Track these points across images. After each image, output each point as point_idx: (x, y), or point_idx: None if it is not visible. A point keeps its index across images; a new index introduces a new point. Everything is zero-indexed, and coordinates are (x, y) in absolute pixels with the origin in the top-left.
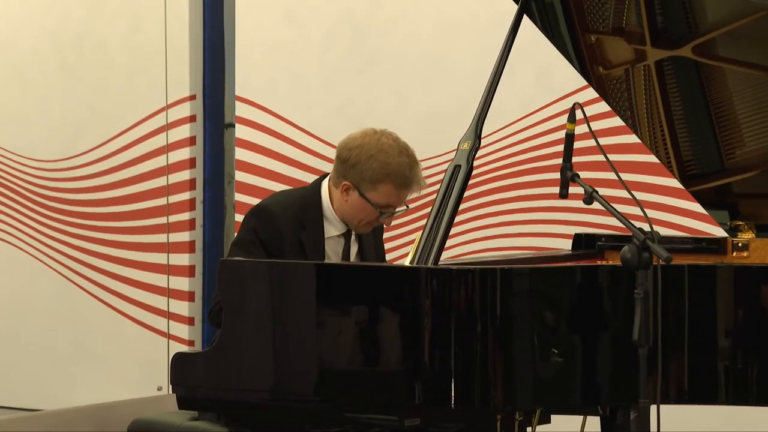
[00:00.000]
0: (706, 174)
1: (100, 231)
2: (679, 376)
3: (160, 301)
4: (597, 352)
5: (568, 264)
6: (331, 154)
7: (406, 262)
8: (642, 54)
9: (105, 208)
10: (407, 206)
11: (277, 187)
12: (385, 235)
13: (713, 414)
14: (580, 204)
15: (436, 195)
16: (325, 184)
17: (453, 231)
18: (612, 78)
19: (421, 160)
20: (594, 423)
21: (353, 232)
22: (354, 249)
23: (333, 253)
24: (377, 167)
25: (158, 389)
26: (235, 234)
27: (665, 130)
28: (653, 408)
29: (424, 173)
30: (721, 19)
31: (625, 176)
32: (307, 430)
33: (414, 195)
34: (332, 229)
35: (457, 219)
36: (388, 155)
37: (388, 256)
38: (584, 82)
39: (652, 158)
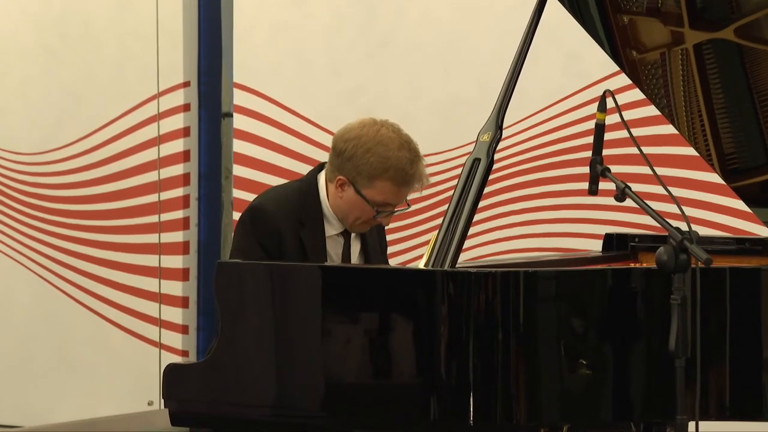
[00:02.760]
0: (749, 168)
1: (85, 230)
2: (720, 390)
3: (150, 308)
4: (630, 364)
5: (599, 267)
6: None
7: (421, 264)
8: (679, 37)
9: (90, 205)
10: (408, 205)
11: (279, 182)
12: (398, 235)
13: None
14: (611, 201)
15: (453, 191)
16: (321, 177)
17: (472, 230)
18: (646, 63)
19: (438, 153)
20: None
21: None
22: (356, 249)
23: (334, 254)
24: (375, 161)
25: (149, 404)
26: (232, 235)
27: (705, 120)
28: (691, 425)
29: (441, 167)
30: None
31: (660, 170)
32: None
33: (415, 193)
34: (330, 227)
35: (477, 217)
36: (388, 148)
37: (400, 259)
38: (616, 68)
39: (691, 151)
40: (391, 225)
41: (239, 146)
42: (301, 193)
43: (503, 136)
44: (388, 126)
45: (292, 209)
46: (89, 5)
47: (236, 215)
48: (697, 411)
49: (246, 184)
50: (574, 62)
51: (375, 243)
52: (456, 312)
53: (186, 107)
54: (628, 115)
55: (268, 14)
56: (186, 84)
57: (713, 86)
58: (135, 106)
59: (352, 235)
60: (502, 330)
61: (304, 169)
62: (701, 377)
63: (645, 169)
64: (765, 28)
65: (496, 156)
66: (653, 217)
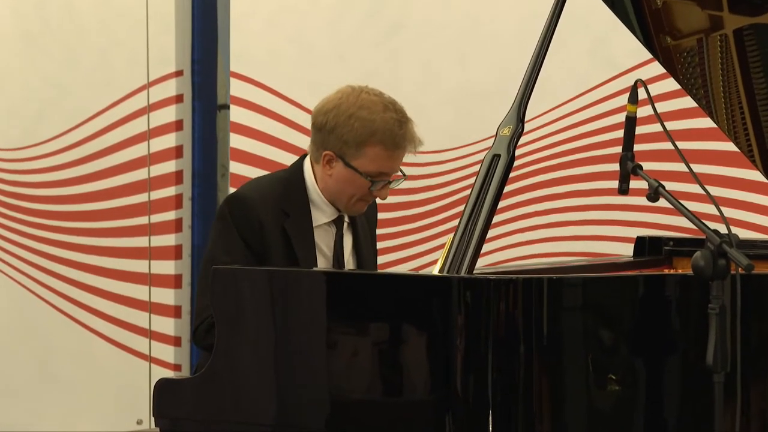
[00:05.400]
0: None
1: (68, 233)
2: (762, 409)
3: (140, 318)
4: (663, 379)
5: (630, 273)
6: None
7: (435, 270)
8: (718, 21)
9: (73, 205)
10: (404, 174)
11: None
12: (410, 238)
13: None
14: (643, 201)
15: (470, 190)
16: (306, 162)
17: (491, 233)
18: (682, 50)
19: (454, 148)
20: None
21: (345, 220)
22: (348, 241)
23: (324, 245)
24: (359, 127)
25: (138, 423)
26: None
27: (746, 113)
28: None
29: (457, 164)
30: None
31: (697, 168)
32: None
33: (427, 192)
34: (320, 215)
35: (496, 219)
36: (371, 111)
37: (413, 264)
38: (648, 56)
39: (730, 146)
40: (402, 227)
41: (236, 141)
42: (284, 182)
43: (525, 130)
44: (368, 90)
45: (274, 198)
46: None
47: None
48: (737, 431)
49: (243, 182)
50: (603, 49)
51: (367, 237)
52: (474, 322)
53: (178, 98)
54: (662, 107)
55: None
56: (178, 73)
57: (755, 75)
58: (123, 97)
59: (344, 224)
60: (524, 342)
61: None
62: (742, 394)
63: (680, 166)
64: None
65: (518, 152)
66: (689, 219)
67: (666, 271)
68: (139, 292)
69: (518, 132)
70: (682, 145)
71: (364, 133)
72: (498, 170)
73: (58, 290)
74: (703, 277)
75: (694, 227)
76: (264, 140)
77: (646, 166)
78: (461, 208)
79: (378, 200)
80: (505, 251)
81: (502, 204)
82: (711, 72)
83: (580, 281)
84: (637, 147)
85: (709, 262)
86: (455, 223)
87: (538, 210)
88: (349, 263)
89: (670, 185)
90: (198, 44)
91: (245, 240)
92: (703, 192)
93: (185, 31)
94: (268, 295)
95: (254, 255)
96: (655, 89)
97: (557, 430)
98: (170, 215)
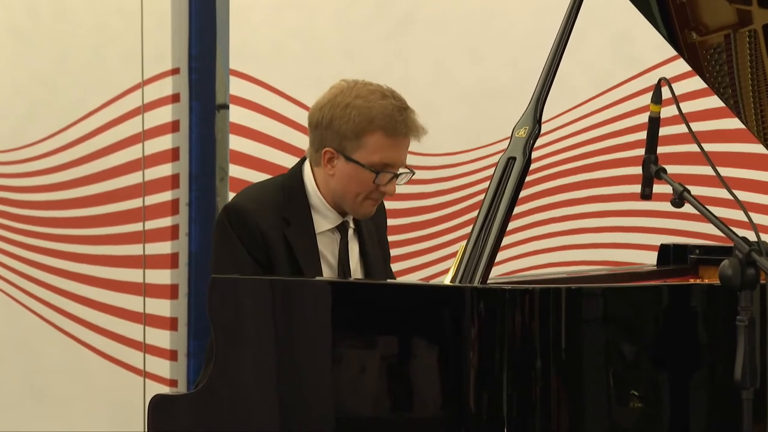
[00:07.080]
0: None
1: (58, 240)
2: None
3: (134, 330)
4: (689, 395)
5: (653, 283)
6: None
7: (447, 279)
8: (747, 16)
9: (64, 211)
10: (412, 171)
11: None
12: (421, 245)
13: None
14: (667, 206)
15: (484, 195)
16: (306, 166)
17: (506, 241)
18: (708, 46)
19: (467, 151)
20: None
21: (350, 226)
22: (354, 248)
23: (328, 253)
24: (356, 115)
25: None
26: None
27: None
28: None
29: (470, 167)
30: None
31: (724, 171)
32: None
33: (439, 197)
34: (323, 221)
35: (512, 225)
36: (368, 99)
37: (423, 273)
38: (673, 53)
39: (760, 148)
40: (412, 234)
41: (236, 143)
42: (284, 188)
43: (542, 131)
44: (364, 82)
45: (274, 206)
46: None
47: None
48: None
49: (243, 186)
50: (625, 45)
51: (374, 242)
52: (488, 335)
53: (175, 98)
54: (687, 107)
55: None
56: (175, 71)
57: None
58: (116, 96)
59: (349, 231)
60: (540, 356)
61: None
62: None
63: (706, 170)
64: None
65: (534, 154)
66: (716, 225)
67: (692, 281)
68: (133, 303)
69: (535, 133)
70: (708, 147)
71: (362, 121)
72: (513, 174)
73: (47, 301)
74: (730, 287)
75: (721, 234)
76: (265, 142)
77: (671, 169)
78: (474, 214)
79: (387, 202)
80: (521, 260)
81: (517, 210)
82: (739, 70)
83: (600, 291)
84: (660, 149)
85: (738, 271)
86: (468, 230)
87: (556, 216)
88: (357, 272)
89: (695, 190)
90: (195, 40)
91: (251, 253)
92: (730, 197)
93: (182, 26)
94: (269, 306)
95: (262, 267)
96: (679, 88)
97: None
98: (166, 221)
